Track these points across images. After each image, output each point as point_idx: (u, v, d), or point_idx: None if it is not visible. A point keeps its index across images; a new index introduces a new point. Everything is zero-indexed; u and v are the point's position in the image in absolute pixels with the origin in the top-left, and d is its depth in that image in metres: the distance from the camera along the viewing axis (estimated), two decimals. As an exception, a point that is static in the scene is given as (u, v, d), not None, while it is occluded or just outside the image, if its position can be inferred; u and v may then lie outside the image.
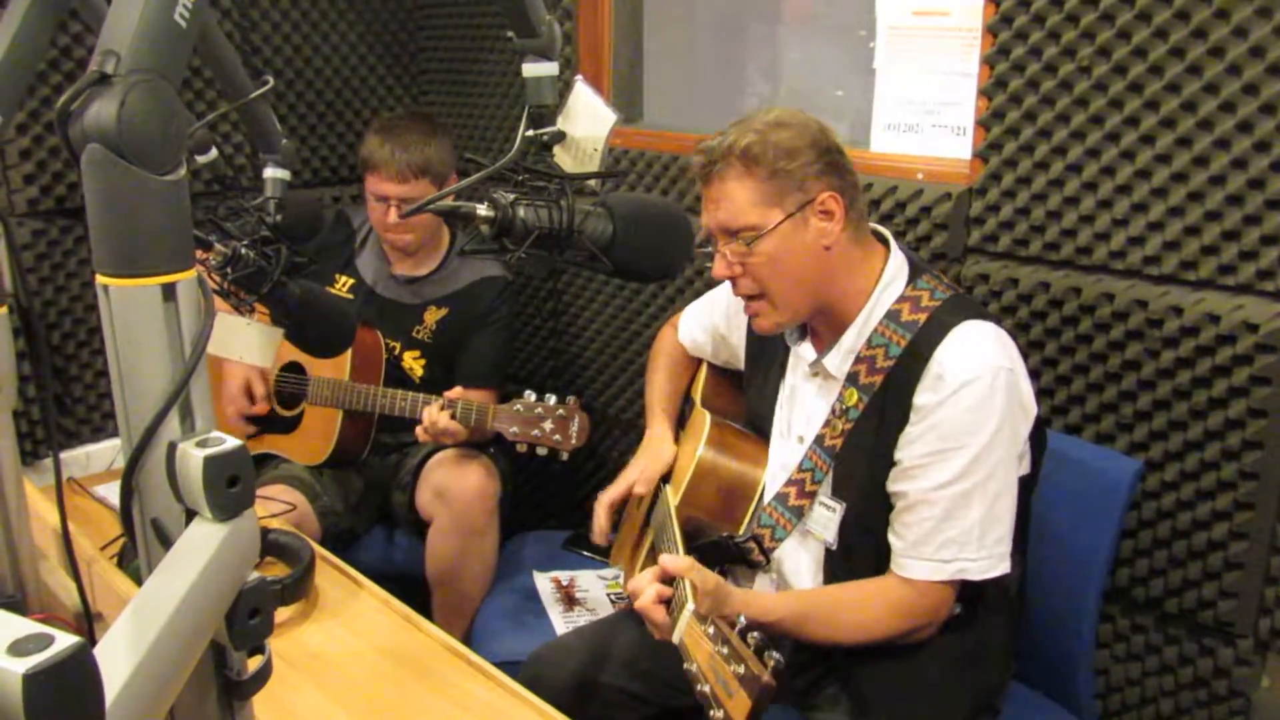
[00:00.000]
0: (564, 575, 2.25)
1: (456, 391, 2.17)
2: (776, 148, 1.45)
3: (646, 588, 1.39)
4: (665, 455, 1.84)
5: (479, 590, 2.24)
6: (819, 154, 1.47)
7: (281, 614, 1.59)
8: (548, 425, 2.05)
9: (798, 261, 1.49)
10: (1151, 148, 1.66)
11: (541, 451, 2.08)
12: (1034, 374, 1.50)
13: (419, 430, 2.15)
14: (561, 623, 2.07)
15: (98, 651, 0.61)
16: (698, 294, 2.05)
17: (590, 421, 2.09)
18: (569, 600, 2.16)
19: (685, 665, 1.23)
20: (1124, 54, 1.66)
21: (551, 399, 2.06)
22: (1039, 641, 1.71)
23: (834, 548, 1.52)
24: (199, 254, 0.81)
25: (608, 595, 2.19)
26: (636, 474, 1.82)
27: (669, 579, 1.39)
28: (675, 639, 1.30)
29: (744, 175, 1.47)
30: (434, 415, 2.13)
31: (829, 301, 1.53)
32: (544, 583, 2.22)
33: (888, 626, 1.47)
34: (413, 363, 2.43)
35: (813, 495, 1.54)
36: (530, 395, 2.07)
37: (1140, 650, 1.83)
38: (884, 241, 1.57)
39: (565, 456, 2.08)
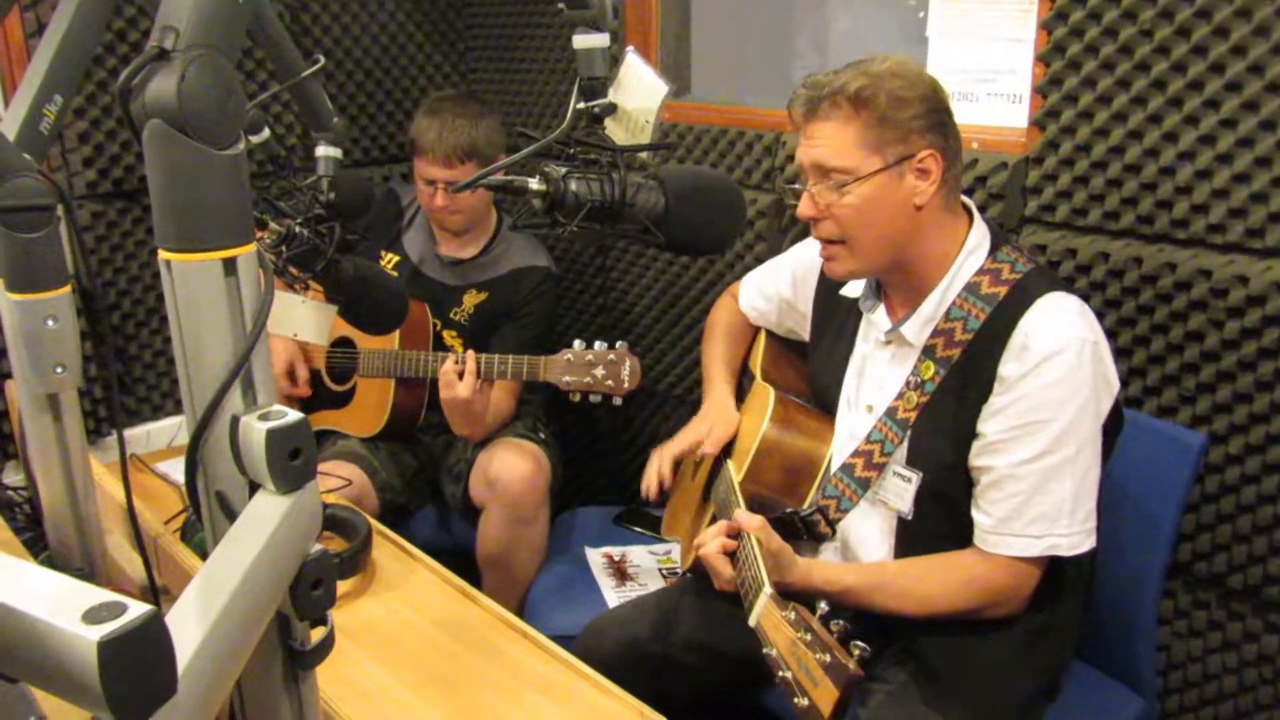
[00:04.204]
0: (616, 550, 2.26)
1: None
2: (889, 95, 1.42)
3: (712, 540, 1.45)
4: (732, 420, 1.84)
5: (528, 574, 2.26)
6: (929, 110, 1.44)
7: (339, 588, 1.60)
8: (599, 371, 2.04)
9: (886, 215, 1.46)
10: (1215, 112, 1.61)
11: (595, 398, 2.06)
12: (1094, 346, 1.46)
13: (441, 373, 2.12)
14: (613, 597, 2.08)
15: (168, 620, 0.62)
16: (748, 268, 2.03)
17: (641, 366, 2.07)
18: (620, 575, 2.17)
19: (764, 650, 1.22)
20: (1186, 16, 1.61)
21: (600, 345, 2.05)
22: (1100, 617, 1.69)
23: (909, 517, 1.51)
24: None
25: (659, 570, 2.20)
26: (706, 430, 1.83)
27: (736, 534, 1.44)
28: (752, 622, 1.29)
29: (851, 116, 1.44)
30: (450, 373, 2.10)
31: (908, 262, 1.50)
32: (595, 558, 2.23)
33: (963, 600, 1.46)
34: (452, 341, 2.44)
35: (881, 467, 1.53)
36: (579, 344, 2.07)
37: (1203, 627, 1.79)
38: (968, 212, 1.55)
39: (619, 401, 2.06)
